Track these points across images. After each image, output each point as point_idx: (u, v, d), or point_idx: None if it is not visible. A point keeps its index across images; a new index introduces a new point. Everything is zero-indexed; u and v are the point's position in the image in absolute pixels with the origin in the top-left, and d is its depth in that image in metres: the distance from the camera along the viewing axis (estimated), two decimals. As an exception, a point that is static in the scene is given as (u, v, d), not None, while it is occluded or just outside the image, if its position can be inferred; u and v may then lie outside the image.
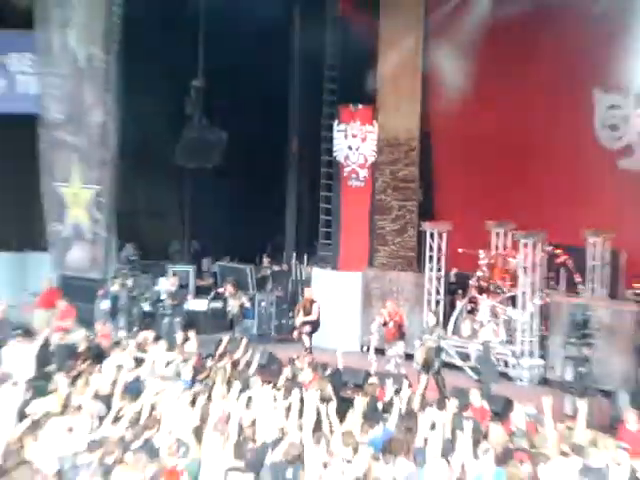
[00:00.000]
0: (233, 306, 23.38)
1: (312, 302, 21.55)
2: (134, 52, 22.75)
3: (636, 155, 21.62)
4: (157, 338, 19.11)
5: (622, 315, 20.08)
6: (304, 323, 21.38)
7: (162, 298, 22.67)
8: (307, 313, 21.42)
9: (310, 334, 21.30)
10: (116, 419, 12.04)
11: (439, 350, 19.57)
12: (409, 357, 19.93)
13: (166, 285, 22.85)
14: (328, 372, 18.25)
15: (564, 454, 10.84)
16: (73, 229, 24.59)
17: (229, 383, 14.85)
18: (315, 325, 21.37)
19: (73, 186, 24.44)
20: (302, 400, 11.79)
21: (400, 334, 20.35)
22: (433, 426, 11.88)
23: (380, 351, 21.21)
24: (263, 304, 24.57)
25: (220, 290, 23.72)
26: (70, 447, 9.48)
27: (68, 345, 19.11)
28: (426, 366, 19.08)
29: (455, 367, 21.09)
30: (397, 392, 14.91)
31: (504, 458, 10.72)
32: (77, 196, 24.40)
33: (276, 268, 26.11)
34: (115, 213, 23.77)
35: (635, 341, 19.60)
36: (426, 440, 11.14)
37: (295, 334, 21.48)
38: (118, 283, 23.61)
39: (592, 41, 20.50)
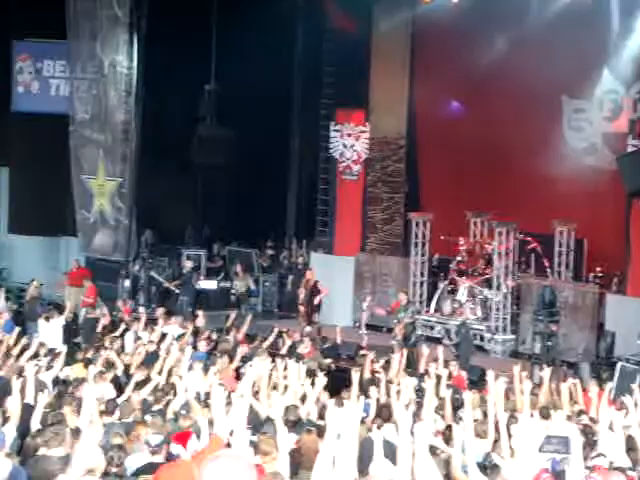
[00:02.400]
0: (240, 285, 23.48)
1: (315, 282, 21.60)
2: (154, 59, 22.76)
3: (599, 153, 21.65)
4: (169, 313, 19.21)
5: (585, 295, 20.18)
6: (310, 301, 21.43)
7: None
8: (308, 292, 21.49)
9: (317, 310, 21.38)
10: (137, 385, 12.10)
11: (414, 325, 19.67)
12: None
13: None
14: (327, 345, 18.36)
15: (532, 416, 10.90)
16: (98, 216, 24.64)
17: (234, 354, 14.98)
18: (320, 302, 21.45)
19: (99, 178, 24.49)
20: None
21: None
22: (417, 393, 11.97)
23: (370, 326, 21.32)
24: (267, 284, 24.62)
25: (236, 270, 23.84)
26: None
27: (93, 319, 19.20)
28: (404, 340, 19.18)
29: (437, 341, 21.16)
30: (387, 362, 15.01)
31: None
32: (102, 187, 24.45)
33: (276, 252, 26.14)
34: (135, 202, 23.78)
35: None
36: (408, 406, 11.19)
37: (301, 310, 21.48)
38: (138, 265, 23.70)
39: (560, 53, 20.50)
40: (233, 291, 23.51)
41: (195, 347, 15.82)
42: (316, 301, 21.20)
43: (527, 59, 21.14)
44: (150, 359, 14.02)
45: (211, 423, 8.74)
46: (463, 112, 23.86)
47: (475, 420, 10.17)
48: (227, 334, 17.51)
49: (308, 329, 19.48)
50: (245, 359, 14.83)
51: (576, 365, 18.22)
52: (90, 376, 11.47)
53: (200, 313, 18.55)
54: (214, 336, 17.24)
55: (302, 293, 21.42)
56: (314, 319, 21.11)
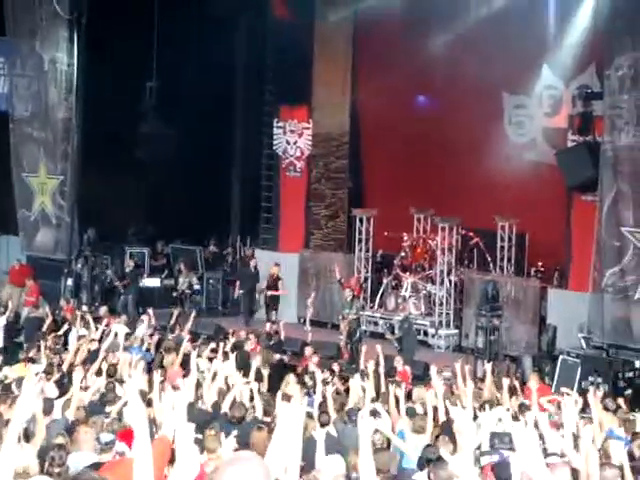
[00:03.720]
0: (183, 283, 23.39)
1: (277, 279, 21.71)
2: (95, 56, 22.57)
3: (539, 148, 21.86)
4: (113, 312, 19.08)
5: (526, 290, 20.38)
6: (271, 297, 21.57)
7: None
8: (270, 288, 21.64)
9: (275, 307, 21.52)
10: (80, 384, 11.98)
11: (359, 321, 19.75)
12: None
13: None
14: (272, 342, 18.36)
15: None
16: (40, 215, 24.39)
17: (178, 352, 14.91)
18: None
19: (40, 176, 24.25)
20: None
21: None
22: (364, 389, 11.99)
23: (315, 322, 21.35)
24: (211, 282, 24.54)
25: (180, 267, 23.77)
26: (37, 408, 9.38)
27: (36, 318, 19.00)
28: (349, 337, 19.26)
29: (381, 336, 21.24)
30: (331, 358, 15.06)
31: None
32: (43, 185, 24.21)
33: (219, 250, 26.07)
34: (77, 200, 23.57)
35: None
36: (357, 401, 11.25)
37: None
38: (80, 263, 23.50)
39: (500, 49, 20.67)
40: (177, 288, 23.41)
41: (142, 345, 15.77)
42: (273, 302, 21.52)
43: (469, 55, 21.28)
44: (93, 357, 13.90)
45: (154, 422, 8.69)
46: (429, 105, 23.90)
47: (416, 415, 10.27)
48: (171, 332, 17.43)
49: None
50: (189, 357, 14.77)
51: (518, 359, 18.40)
52: (31, 374, 11.32)
53: (150, 311, 18.45)
54: (157, 334, 17.15)
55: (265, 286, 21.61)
56: (271, 317, 21.18)
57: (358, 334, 19.35)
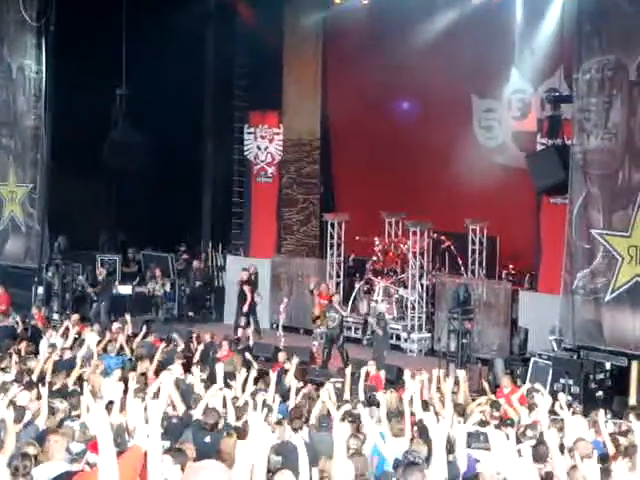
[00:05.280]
0: (157, 290, 23.30)
1: (245, 283, 21.77)
2: (64, 63, 22.43)
3: (509, 152, 21.93)
4: (84, 320, 18.98)
5: (498, 293, 20.45)
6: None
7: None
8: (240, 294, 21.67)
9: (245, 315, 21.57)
10: (51, 392, 11.87)
11: (342, 326, 19.76)
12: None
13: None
14: (240, 347, 18.32)
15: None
16: (9, 223, 24.21)
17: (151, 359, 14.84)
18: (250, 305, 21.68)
19: (9, 185, 24.08)
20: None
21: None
22: (337, 395, 11.97)
23: (288, 328, 21.33)
24: (183, 288, 24.40)
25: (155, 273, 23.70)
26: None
27: (6, 327, 18.85)
28: (331, 341, 19.28)
29: (354, 340, 21.26)
30: (302, 363, 15.02)
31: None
32: (13, 193, 24.04)
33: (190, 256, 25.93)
34: (48, 208, 23.43)
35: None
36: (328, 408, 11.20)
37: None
38: (51, 271, 23.34)
39: (469, 53, 20.76)
40: (153, 294, 23.33)
41: (120, 353, 15.72)
42: (244, 308, 21.42)
43: (438, 59, 21.34)
44: (64, 365, 13.81)
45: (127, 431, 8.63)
46: (399, 110, 23.90)
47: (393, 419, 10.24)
48: (144, 338, 17.33)
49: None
50: (161, 363, 14.72)
51: (491, 362, 18.43)
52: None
53: (127, 318, 18.36)
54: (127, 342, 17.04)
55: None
56: (240, 323, 21.15)
57: (341, 339, 19.40)
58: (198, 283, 23.67)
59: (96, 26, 21.99)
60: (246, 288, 21.74)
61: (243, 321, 21.37)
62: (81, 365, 13.48)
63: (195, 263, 24.14)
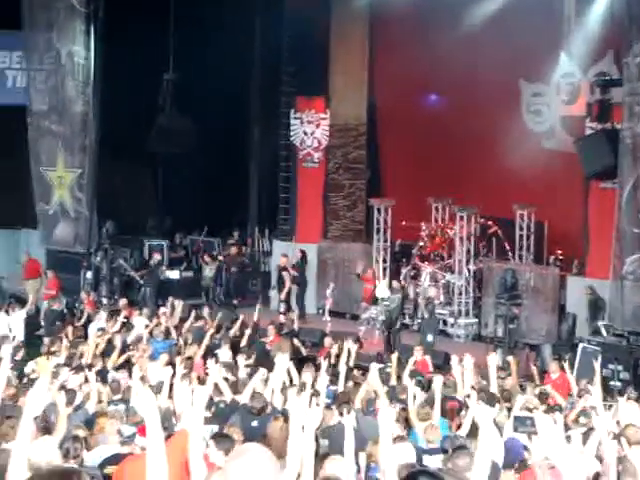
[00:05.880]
0: (208, 272, 23.39)
1: (283, 269, 21.81)
2: (112, 49, 22.56)
3: (558, 137, 21.75)
4: (132, 304, 19.13)
5: (545, 278, 20.31)
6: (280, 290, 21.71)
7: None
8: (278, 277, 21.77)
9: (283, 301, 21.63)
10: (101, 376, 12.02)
11: (402, 308, 19.82)
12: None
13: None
14: (284, 331, 18.39)
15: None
16: (59, 208, 24.41)
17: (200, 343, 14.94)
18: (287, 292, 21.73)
19: (58, 170, 24.26)
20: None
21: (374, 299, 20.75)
22: (382, 380, 11.95)
23: (333, 313, 21.37)
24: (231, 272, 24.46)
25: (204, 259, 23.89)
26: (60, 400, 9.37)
27: (56, 311, 19.07)
28: (390, 324, 19.34)
29: (402, 326, 21.25)
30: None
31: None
32: (62, 179, 24.22)
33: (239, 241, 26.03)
34: (96, 193, 23.60)
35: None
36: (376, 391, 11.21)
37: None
38: (100, 256, 23.55)
39: (517, 37, 20.56)
40: (203, 279, 23.49)
41: (167, 336, 15.86)
42: (282, 296, 21.49)
43: (485, 44, 21.19)
44: (112, 350, 13.96)
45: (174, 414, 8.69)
46: (446, 95, 23.82)
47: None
48: (193, 323, 17.44)
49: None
50: (211, 348, 14.85)
51: (538, 347, 18.33)
52: (50, 368, 11.35)
53: (175, 302, 18.50)
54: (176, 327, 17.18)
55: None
56: (280, 309, 21.24)
57: (398, 324, 19.44)
58: (234, 269, 23.62)
59: (144, 12, 22.09)
60: (285, 274, 21.82)
61: (282, 307, 21.40)
62: (130, 349, 13.62)
63: (233, 250, 24.10)
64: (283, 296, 21.67)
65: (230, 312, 20.17)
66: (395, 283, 20.26)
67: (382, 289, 20.62)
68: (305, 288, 22.65)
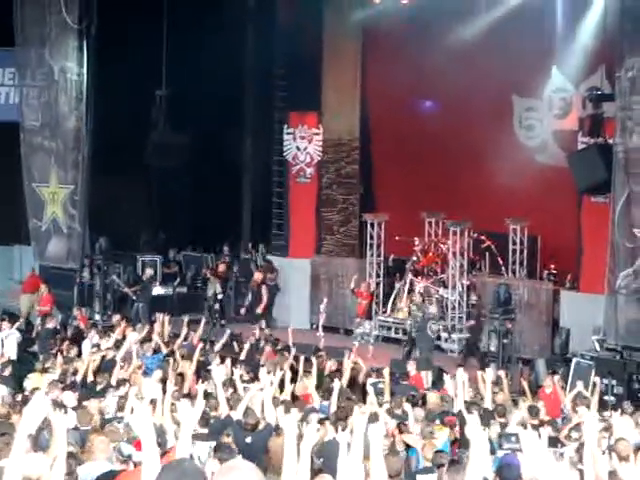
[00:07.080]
0: (210, 288, 23.27)
1: (259, 286, 21.81)
2: (105, 65, 22.64)
3: (550, 151, 21.83)
4: (125, 320, 19.08)
5: (539, 292, 20.35)
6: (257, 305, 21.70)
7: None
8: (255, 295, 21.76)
9: (262, 315, 21.56)
10: (95, 392, 12.01)
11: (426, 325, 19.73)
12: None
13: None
14: (279, 347, 18.37)
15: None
16: (51, 224, 24.41)
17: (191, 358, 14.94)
18: (265, 306, 21.70)
19: (51, 186, 24.27)
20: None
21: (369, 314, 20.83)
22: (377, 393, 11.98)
23: (327, 328, 21.35)
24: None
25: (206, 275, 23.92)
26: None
27: (49, 328, 19.04)
28: (413, 340, 19.31)
29: (394, 341, 21.28)
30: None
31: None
32: (54, 195, 24.23)
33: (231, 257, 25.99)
34: (88, 209, 23.62)
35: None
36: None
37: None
38: (86, 272, 23.52)
39: (509, 52, 20.67)
40: (206, 296, 23.40)
41: (155, 352, 15.82)
42: (259, 309, 21.52)
43: (478, 58, 21.28)
44: (107, 366, 13.93)
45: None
46: (439, 109, 23.89)
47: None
48: (185, 339, 17.41)
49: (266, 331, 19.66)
50: (201, 363, 14.84)
51: (532, 362, 18.35)
52: (44, 384, 11.36)
53: (166, 318, 18.46)
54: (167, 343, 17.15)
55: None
56: (261, 325, 21.10)
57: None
58: (219, 288, 23.47)
59: (137, 29, 22.15)
60: (263, 288, 21.87)
61: (262, 323, 21.26)
62: (120, 366, 13.58)
63: (220, 267, 23.93)
64: (260, 310, 21.73)
65: (219, 328, 20.26)
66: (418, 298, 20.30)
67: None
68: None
